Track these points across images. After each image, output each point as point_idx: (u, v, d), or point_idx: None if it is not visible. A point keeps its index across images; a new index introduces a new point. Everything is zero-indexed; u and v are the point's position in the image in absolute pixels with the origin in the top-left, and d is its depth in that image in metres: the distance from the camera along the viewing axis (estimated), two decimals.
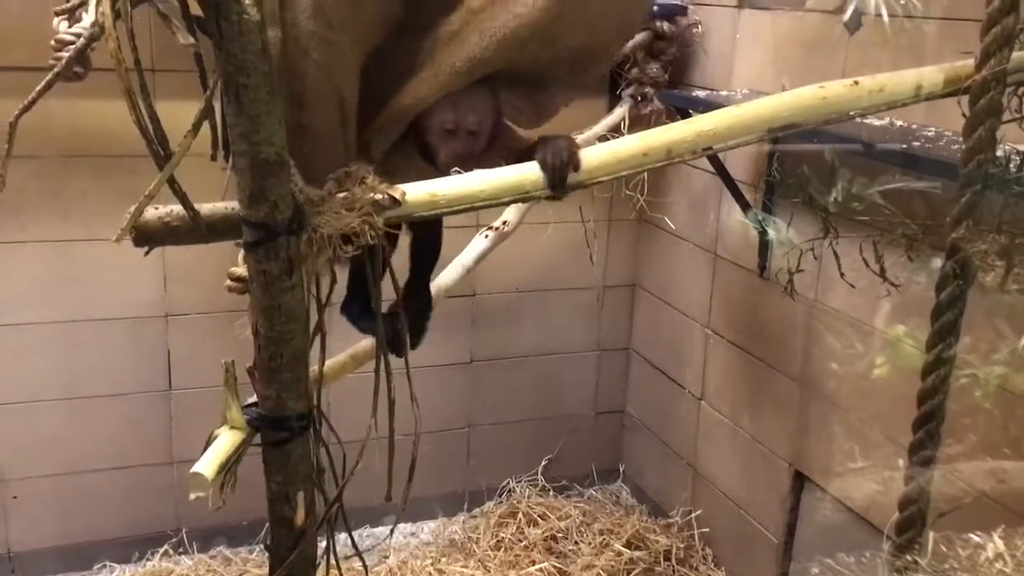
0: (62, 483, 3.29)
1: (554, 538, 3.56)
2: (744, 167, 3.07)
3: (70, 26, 1.24)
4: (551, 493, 3.87)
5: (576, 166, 1.48)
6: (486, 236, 2.73)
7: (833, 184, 2.18)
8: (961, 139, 1.56)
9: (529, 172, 1.48)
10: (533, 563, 3.40)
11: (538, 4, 1.48)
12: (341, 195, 1.36)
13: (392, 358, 1.55)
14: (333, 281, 1.46)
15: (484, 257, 2.70)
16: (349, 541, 1.66)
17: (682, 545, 3.50)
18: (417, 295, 1.97)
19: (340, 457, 1.53)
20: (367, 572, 1.72)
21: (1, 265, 3.06)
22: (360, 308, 1.83)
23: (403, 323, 1.61)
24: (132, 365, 3.27)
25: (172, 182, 1.19)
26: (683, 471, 3.62)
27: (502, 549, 3.51)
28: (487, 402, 3.81)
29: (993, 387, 2.01)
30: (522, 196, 1.52)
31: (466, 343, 3.71)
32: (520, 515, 3.68)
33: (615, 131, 3.23)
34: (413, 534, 3.74)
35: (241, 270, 1.39)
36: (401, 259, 1.83)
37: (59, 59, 1.21)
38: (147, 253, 1.35)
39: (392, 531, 3.60)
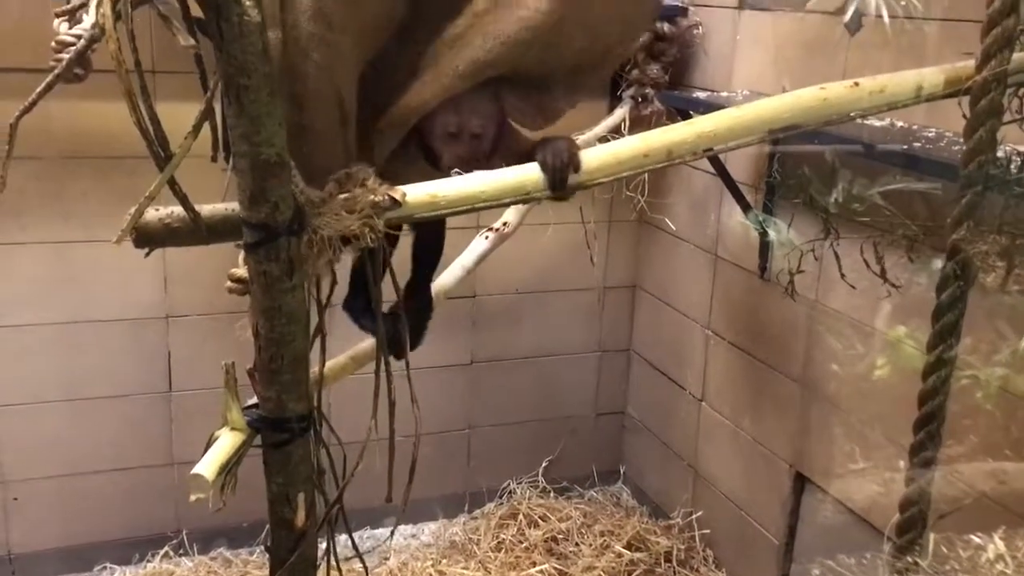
0: (63, 484, 3.29)
1: (555, 539, 3.56)
2: (745, 168, 3.07)
3: (71, 27, 1.24)
4: (552, 494, 3.87)
5: (576, 167, 1.48)
6: (486, 237, 2.73)
7: (834, 185, 2.18)
8: (962, 140, 1.56)
9: (530, 173, 1.48)
10: (534, 564, 3.40)
11: (542, 8, 1.48)
12: (342, 197, 1.36)
13: (392, 359, 1.55)
14: (334, 283, 1.46)
15: (484, 258, 2.70)
16: (349, 542, 1.66)
17: (683, 546, 3.49)
18: (418, 296, 1.97)
19: (340, 458, 1.53)
20: (367, 574, 1.72)
21: (1, 266, 3.06)
22: (362, 305, 1.82)
23: (404, 324, 1.61)
24: (132, 366, 3.27)
25: (172, 183, 1.19)
26: (684, 472, 3.62)
27: (503, 551, 3.51)
28: (487, 403, 3.81)
29: (994, 388, 2.00)
30: (523, 197, 1.52)
31: (466, 344, 3.71)
32: (521, 516, 3.67)
33: (615, 132, 3.23)
34: (414, 535, 3.74)
35: (241, 271, 1.39)
36: (402, 260, 1.83)
37: (60, 60, 1.21)
38: (147, 254, 1.35)
39: (393, 533, 3.60)
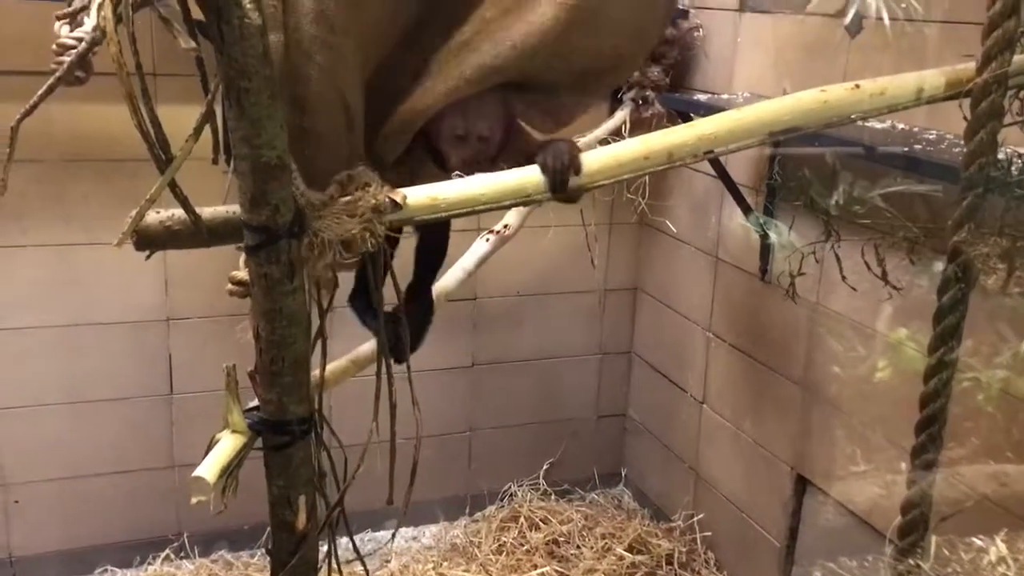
0: (64, 487, 3.29)
1: (556, 542, 3.56)
2: (745, 170, 3.07)
3: (72, 30, 1.24)
4: (553, 497, 3.87)
5: (577, 169, 1.48)
6: (487, 240, 2.73)
7: (834, 187, 2.17)
8: (962, 142, 1.56)
9: (530, 176, 1.48)
10: (535, 567, 3.40)
11: (550, 15, 1.48)
12: (343, 200, 1.36)
13: (393, 362, 1.55)
14: (335, 285, 1.46)
15: (485, 261, 2.70)
16: (350, 545, 1.66)
17: (684, 549, 3.49)
18: (419, 299, 1.96)
19: (341, 461, 1.52)
20: None
21: (2, 269, 3.06)
22: (366, 303, 1.82)
23: (404, 327, 1.61)
24: (133, 369, 3.27)
25: (173, 186, 1.19)
26: (685, 475, 3.62)
27: (504, 553, 3.50)
28: (488, 406, 3.81)
29: (995, 390, 2.00)
30: (523, 200, 1.52)
31: (467, 347, 3.71)
32: (522, 519, 3.67)
33: (616, 134, 3.23)
34: (415, 538, 3.73)
35: (242, 274, 1.39)
36: (403, 261, 1.83)
37: (61, 63, 1.21)
38: (148, 257, 1.35)
39: (394, 535, 3.60)
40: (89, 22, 1.22)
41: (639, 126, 3.29)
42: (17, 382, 3.15)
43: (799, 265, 2.28)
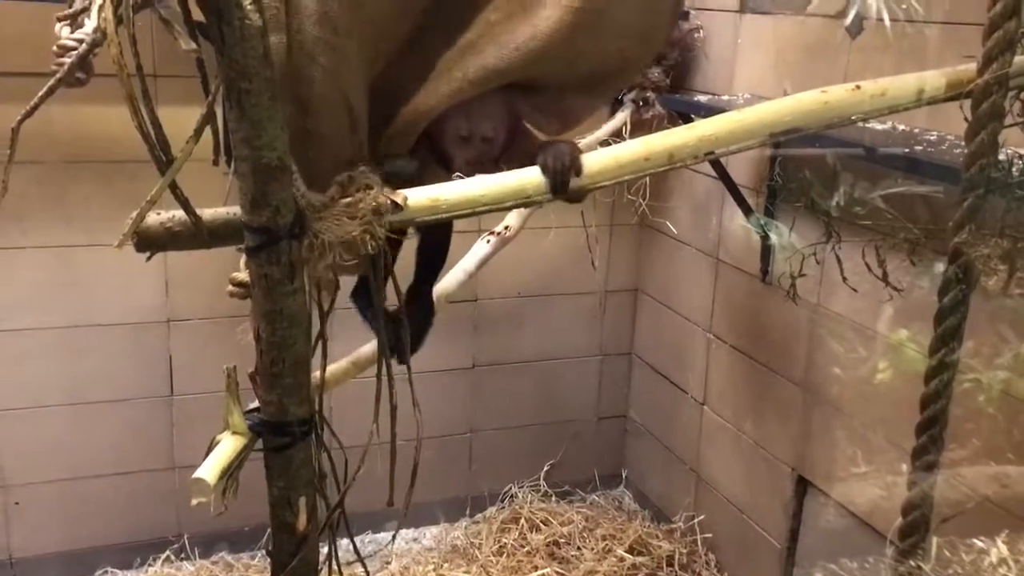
0: (64, 489, 3.29)
1: (556, 544, 3.56)
2: (746, 172, 3.07)
3: (72, 32, 1.24)
4: (553, 498, 3.87)
5: (578, 171, 1.48)
6: (488, 241, 2.73)
7: (835, 188, 2.17)
8: (963, 143, 1.56)
9: (531, 177, 1.48)
10: (535, 569, 3.39)
11: (555, 18, 1.48)
12: (344, 201, 1.36)
13: (394, 363, 1.54)
14: (336, 287, 1.46)
15: (486, 262, 2.70)
16: (351, 547, 1.66)
17: (685, 550, 3.49)
18: (419, 301, 1.96)
19: (342, 462, 1.52)
20: None
21: (3, 271, 3.06)
22: (368, 300, 1.82)
23: (405, 328, 1.61)
24: (134, 371, 3.27)
25: (174, 187, 1.19)
26: (686, 476, 3.62)
27: (504, 555, 3.50)
28: (489, 407, 3.81)
29: (996, 391, 2.00)
30: (524, 201, 1.51)
31: (468, 348, 3.71)
32: (522, 520, 3.67)
33: (617, 136, 3.23)
34: (415, 540, 3.73)
35: (243, 275, 1.39)
36: (405, 263, 1.83)
37: (61, 65, 1.21)
38: (149, 258, 1.35)
39: (394, 537, 3.60)
40: (90, 23, 1.23)
41: (640, 127, 3.29)
42: (17, 383, 3.15)
43: (800, 266, 2.28)
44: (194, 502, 1.34)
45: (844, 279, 2.15)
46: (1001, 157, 1.56)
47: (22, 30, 2.76)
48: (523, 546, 3.55)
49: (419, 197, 1.41)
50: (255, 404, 1.42)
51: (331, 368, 1.77)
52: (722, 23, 3.19)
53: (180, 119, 1.23)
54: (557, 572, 3.38)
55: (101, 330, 3.20)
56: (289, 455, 1.38)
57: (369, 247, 1.34)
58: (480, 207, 1.45)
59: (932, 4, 2.18)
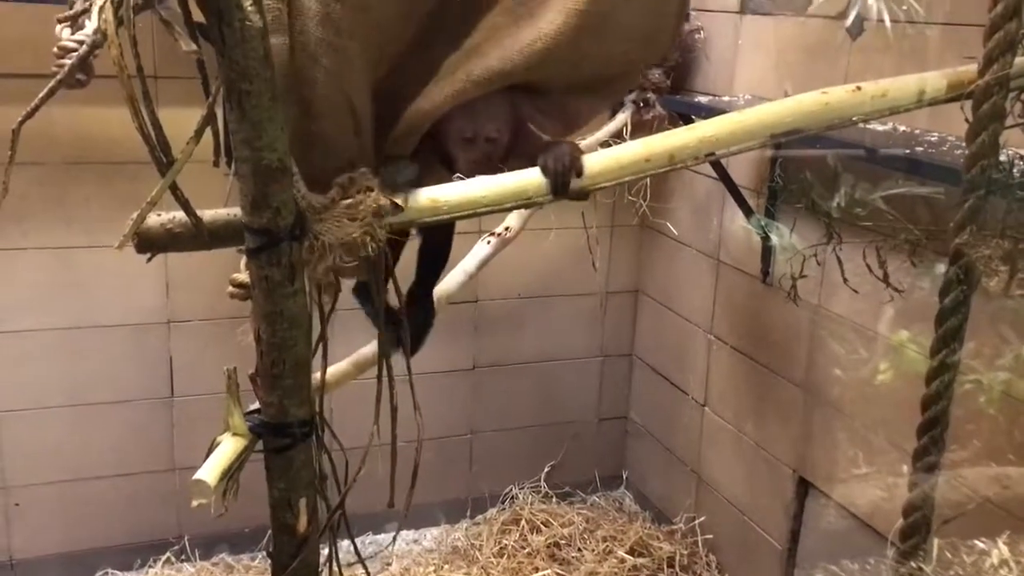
0: (64, 490, 3.29)
1: (557, 545, 3.56)
2: (747, 173, 3.07)
3: (73, 33, 1.24)
4: (554, 500, 3.87)
5: (579, 172, 1.48)
6: (488, 242, 2.72)
7: (836, 189, 2.17)
8: (964, 144, 1.56)
9: (531, 178, 1.48)
10: (536, 570, 3.39)
11: (559, 21, 1.47)
12: (344, 203, 1.36)
13: (394, 364, 1.54)
14: (337, 289, 1.46)
15: (486, 263, 2.70)
16: (352, 548, 1.66)
17: (686, 552, 3.49)
18: (420, 303, 1.96)
19: (342, 464, 1.52)
20: None
21: (3, 272, 3.06)
22: (370, 297, 1.82)
23: (405, 329, 1.61)
24: (134, 372, 3.27)
25: (174, 188, 1.19)
26: (687, 477, 3.61)
27: (505, 556, 3.50)
28: (490, 408, 3.80)
29: (997, 392, 2.00)
30: (524, 202, 1.51)
31: (469, 349, 3.71)
32: (523, 522, 3.67)
33: (617, 137, 3.23)
34: (416, 541, 3.73)
35: (243, 276, 1.39)
36: (405, 264, 1.83)
37: (62, 66, 1.21)
38: (149, 260, 1.35)
39: (395, 538, 3.59)
40: (90, 25, 1.22)
41: (640, 128, 3.29)
42: (18, 385, 3.15)
43: (801, 267, 2.28)
44: (195, 503, 1.34)
45: (845, 280, 2.15)
46: (1002, 158, 1.56)
47: (22, 32, 2.76)
48: (524, 547, 3.55)
49: (420, 198, 1.41)
50: (256, 405, 1.42)
51: (332, 369, 1.77)
52: (723, 24, 3.19)
53: (181, 120, 1.23)
54: (558, 573, 3.38)
55: (102, 331, 3.20)
56: (290, 456, 1.38)
57: (369, 249, 1.34)
58: (481, 208, 1.45)
59: (933, 5, 2.18)
